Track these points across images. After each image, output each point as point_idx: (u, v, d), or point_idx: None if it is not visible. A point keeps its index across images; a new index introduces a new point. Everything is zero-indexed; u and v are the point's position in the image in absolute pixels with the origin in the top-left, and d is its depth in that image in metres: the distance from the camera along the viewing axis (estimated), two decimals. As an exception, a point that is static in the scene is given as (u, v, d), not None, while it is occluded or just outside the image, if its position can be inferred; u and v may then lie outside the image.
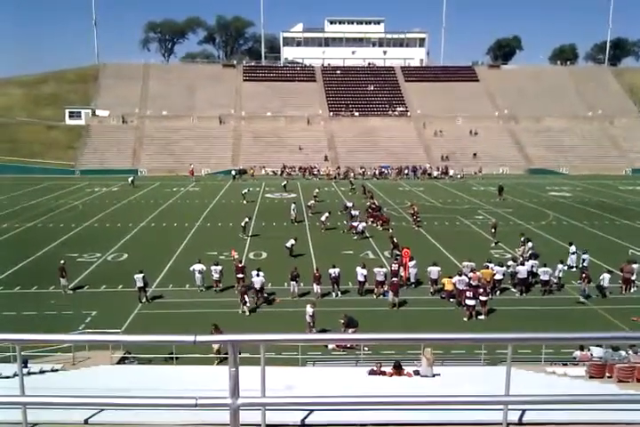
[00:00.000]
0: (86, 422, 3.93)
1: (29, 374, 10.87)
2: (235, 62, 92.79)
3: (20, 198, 46.35)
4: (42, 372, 11.98)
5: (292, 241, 28.42)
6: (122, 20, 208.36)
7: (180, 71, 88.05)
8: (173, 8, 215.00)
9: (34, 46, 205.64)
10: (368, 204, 39.28)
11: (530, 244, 27.24)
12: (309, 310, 18.63)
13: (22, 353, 3.75)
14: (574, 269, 23.80)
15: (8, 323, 19.22)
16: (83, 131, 71.46)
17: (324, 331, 18.27)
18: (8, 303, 21.53)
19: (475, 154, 68.63)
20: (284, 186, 51.02)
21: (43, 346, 14.64)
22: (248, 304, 20.76)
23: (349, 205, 37.70)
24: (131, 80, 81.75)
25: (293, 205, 37.45)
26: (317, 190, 45.83)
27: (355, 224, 32.97)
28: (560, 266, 23.39)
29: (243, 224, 32.89)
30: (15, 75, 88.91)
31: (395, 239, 28.18)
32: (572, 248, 26.61)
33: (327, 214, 34.44)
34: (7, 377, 10.37)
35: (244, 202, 44.15)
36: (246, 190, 46.22)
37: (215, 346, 13.81)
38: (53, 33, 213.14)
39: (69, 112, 74.44)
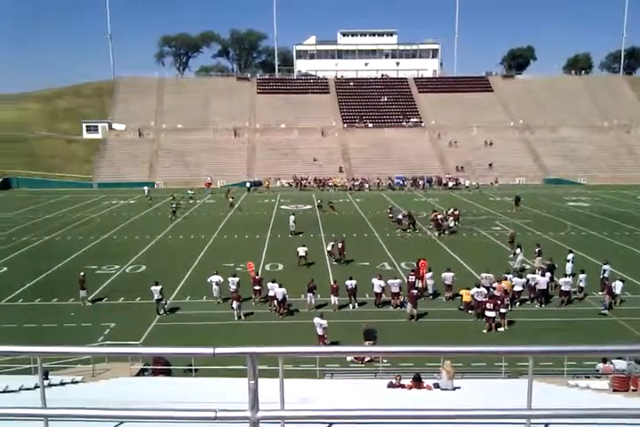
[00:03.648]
0: (106, 434, 3.94)
1: (50, 385, 10.94)
2: (249, 75, 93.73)
3: (40, 211, 46.97)
4: (62, 384, 12.05)
5: (304, 249, 28.68)
6: (137, 35, 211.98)
7: (195, 85, 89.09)
8: (188, 22, 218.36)
9: (51, 61, 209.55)
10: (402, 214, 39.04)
11: (570, 255, 26.41)
12: (322, 321, 18.46)
13: (43, 365, 3.78)
14: (570, 279, 23.36)
15: (29, 335, 19.38)
16: (100, 144, 72.43)
17: (336, 343, 18.13)
18: (29, 315, 21.74)
19: (490, 164, 68.31)
20: (320, 206, 46.93)
21: (63, 358, 14.73)
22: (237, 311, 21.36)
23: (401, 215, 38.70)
24: (146, 94, 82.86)
25: (293, 217, 37.26)
26: (319, 201, 46.95)
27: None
28: (582, 275, 23.10)
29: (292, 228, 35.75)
30: (33, 90, 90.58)
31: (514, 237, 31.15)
32: (570, 256, 26.17)
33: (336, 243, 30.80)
34: (28, 389, 10.45)
35: (173, 218, 42.84)
36: (174, 205, 45.08)
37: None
38: (70, 48, 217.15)
39: (86, 126, 75.57)
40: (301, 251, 28.69)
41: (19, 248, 33.27)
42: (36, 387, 10.24)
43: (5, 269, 28.85)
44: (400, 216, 38.56)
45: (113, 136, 74.77)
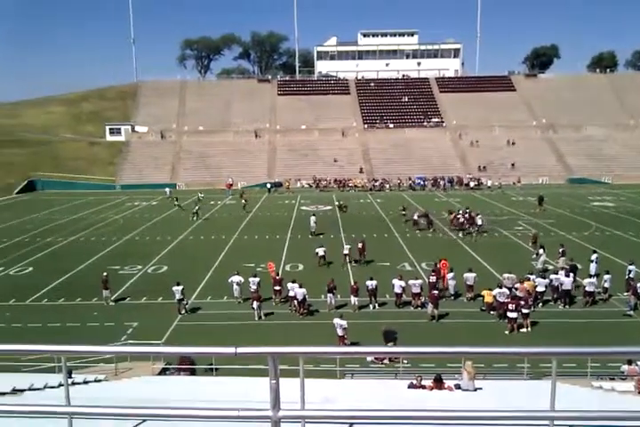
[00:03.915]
0: (129, 432, 3.98)
1: (74, 384, 11.10)
2: (269, 77, 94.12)
3: (64, 213, 47.70)
4: (86, 382, 12.22)
5: (323, 249, 28.89)
6: (159, 39, 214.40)
7: (216, 87, 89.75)
8: (209, 25, 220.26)
9: (76, 66, 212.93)
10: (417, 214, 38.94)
11: (594, 255, 26.02)
12: (342, 322, 18.44)
13: (67, 364, 3.84)
14: (594, 279, 22.97)
15: (53, 334, 19.69)
16: (123, 147, 73.33)
17: (356, 343, 18.10)
18: (53, 315, 22.09)
19: (513, 164, 67.61)
20: (340, 206, 46.11)
21: (86, 357, 14.93)
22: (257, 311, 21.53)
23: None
24: (168, 97, 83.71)
25: (314, 218, 37.28)
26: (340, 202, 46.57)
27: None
28: (607, 276, 22.74)
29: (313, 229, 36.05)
30: (58, 93, 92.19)
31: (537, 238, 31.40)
32: (594, 256, 25.74)
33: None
34: (53, 387, 10.62)
35: (195, 218, 42.96)
36: (197, 207, 45.05)
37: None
38: (94, 53, 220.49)
39: (110, 129, 76.61)
40: (320, 251, 28.88)
41: (43, 249, 33.83)
42: (60, 385, 10.41)
43: (31, 269, 29.36)
44: (415, 217, 38.44)
45: (135, 138, 75.66)
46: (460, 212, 38.35)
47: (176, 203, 49.66)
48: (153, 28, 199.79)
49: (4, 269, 29.28)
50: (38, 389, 10.97)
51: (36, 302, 23.94)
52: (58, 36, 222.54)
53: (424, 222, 37.61)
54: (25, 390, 10.77)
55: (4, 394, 10.15)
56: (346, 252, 29.28)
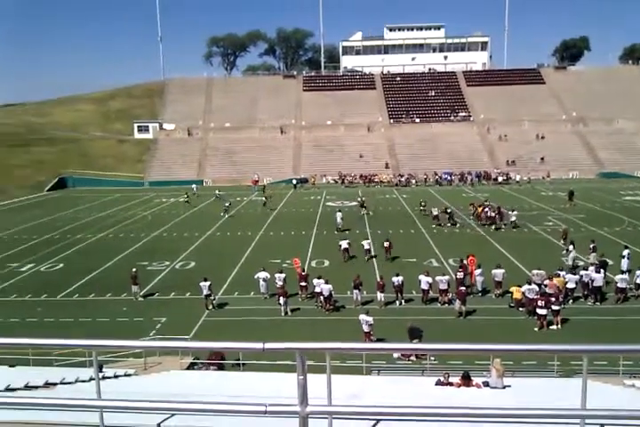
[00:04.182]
0: (159, 426, 4.04)
1: (104, 378, 11.30)
2: (295, 73, 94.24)
3: (93, 210, 48.52)
4: (116, 376, 12.43)
5: (347, 241, 29.24)
6: (186, 37, 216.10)
7: (242, 84, 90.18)
8: (235, 22, 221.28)
9: (104, 64, 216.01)
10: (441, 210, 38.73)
11: (626, 251, 25.35)
12: (368, 318, 18.39)
13: (97, 358, 3.90)
14: (626, 275, 22.45)
15: (84, 329, 20.08)
16: (150, 144, 74.21)
17: (382, 340, 18.04)
18: (84, 310, 22.52)
19: (542, 158, 66.56)
20: (361, 204, 44.73)
21: (116, 351, 15.19)
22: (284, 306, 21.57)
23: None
24: (195, 94, 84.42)
25: (340, 214, 37.24)
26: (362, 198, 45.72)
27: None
28: (639, 272, 22.24)
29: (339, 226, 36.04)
30: (87, 92, 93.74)
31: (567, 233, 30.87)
32: (625, 252, 25.13)
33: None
34: (84, 381, 10.82)
35: (226, 215, 43.05)
36: (228, 204, 45.12)
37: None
38: (122, 51, 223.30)
39: (138, 126, 77.63)
40: (344, 244, 29.13)
41: (74, 245, 34.48)
42: (91, 379, 10.60)
43: (62, 265, 29.95)
44: (435, 212, 38.30)
45: (163, 136, 76.52)
46: (488, 206, 38.10)
47: (185, 198, 50.38)
48: (180, 26, 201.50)
49: (35, 265, 29.92)
50: (70, 382, 11.20)
51: (67, 298, 24.42)
52: (87, 35, 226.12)
53: (446, 218, 37.52)
54: (57, 383, 11.01)
55: (37, 388, 10.40)
56: (367, 247, 29.36)
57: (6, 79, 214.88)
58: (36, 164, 66.15)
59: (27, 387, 10.40)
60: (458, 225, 37.00)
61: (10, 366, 13.89)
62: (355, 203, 47.89)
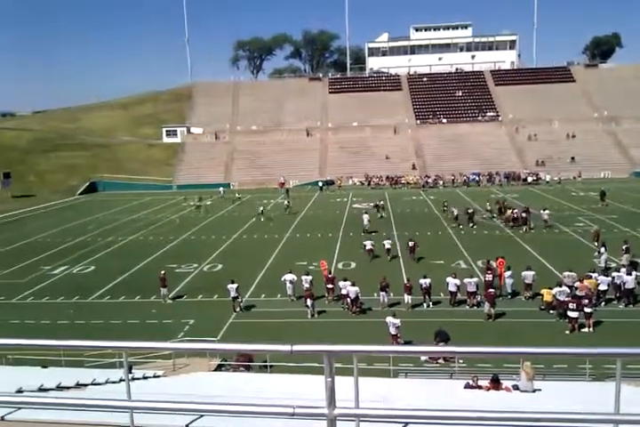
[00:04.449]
0: (187, 427, 4.07)
1: (134, 379, 11.45)
2: (320, 75, 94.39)
3: (123, 213, 49.29)
4: (145, 378, 12.58)
5: (371, 242, 29.90)
6: (212, 41, 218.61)
7: (268, 87, 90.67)
8: (261, 25, 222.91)
9: (133, 69, 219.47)
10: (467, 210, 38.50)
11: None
12: (395, 320, 18.29)
13: (128, 360, 3.95)
14: None
15: (114, 331, 20.39)
16: (179, 148, 75.08)
17: (409, 343, 17.90)
18: (114, 312, 22.88)
19: (573, 158, 65.41)
20: (377, 207, 43.66)
21: (145, 353, 15.38)
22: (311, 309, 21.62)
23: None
24: (222, 98, 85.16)
25: (367, 216, 37.20)
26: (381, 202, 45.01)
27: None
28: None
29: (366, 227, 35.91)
30: (117, 97, 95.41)
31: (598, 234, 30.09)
32: None
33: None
34: (114, 382, 10.98)
35: (262, 219, 42.89)
36: (262, 207, 45.27)
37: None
38: (151, 57, 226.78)
39: (166, 131, 78.67)
40: (368, 244, 29.67)
41: (104, 248, 35.06)
42: (121, 380, 10.75)
43: (93, 267, 30.48)
44: (455, 212, 38.38)
45: (191, 140, 77.37)
46: (512, 207, 38.06)
47: (192, 203, 50.76)
48: (206, 30, 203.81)
49: (68, 267, 30.52)
50: (100, 383, 11.37)
51: (98, 300, 24.84)
52: (117, 42, 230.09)
53: (465, 218, 37.45)
54: (88, 384, 11.19)
55: (68, 388, 10.58)
56: (387, 246, 29.71)
57: (37, 86, 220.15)
58: (68, 168, 67.54)
59: (58, 387, 10.60)
60: (475, 226, 36.71)
61: (42, 367, 14.20)
62: (365, 205, 47.44)
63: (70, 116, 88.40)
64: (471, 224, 36.93)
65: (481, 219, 38.92)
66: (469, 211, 37.92)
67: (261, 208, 45.17)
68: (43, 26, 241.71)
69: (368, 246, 29.59)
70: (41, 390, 9.86)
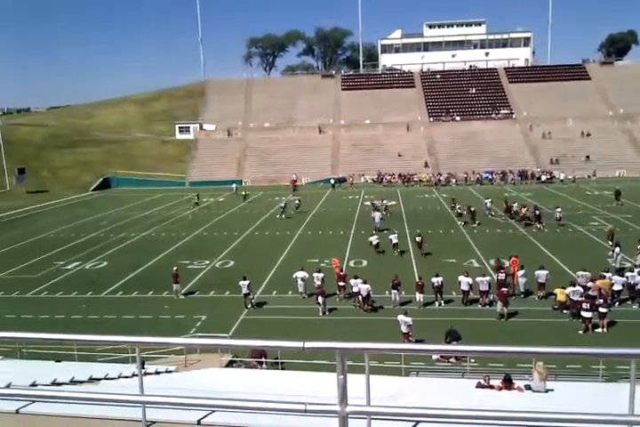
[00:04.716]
0: (199, 422, 4.09)
1: (146, 374, 11.53)
2: (333, 72, 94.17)
3: (136, 209, 49.59)
4: (157, 373, 12.67)
5: (376, 237, 30.57)
6: (225, 39, 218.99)
7: (281, 84, 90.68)
8: (274, 22, 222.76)
9: (147, 66, 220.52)
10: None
11: None
12: (406, 319, 18.25)
13: (140, 355, 3.98)
14: None
15: (127, 326, 20.54)
16: (191, 144, 75.36)
17: (421, 341, 17.86)
18: (127, 307, 23.05)
19: (587, 156, 64.80)
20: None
21: (158, 348, 15.48)
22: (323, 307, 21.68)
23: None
24: (235, 94, 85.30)
25: (379, 214, 37.15)
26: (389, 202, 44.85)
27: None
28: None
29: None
30: (131, 93, 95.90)
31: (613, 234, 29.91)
32: None
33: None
34: (126, 377, 11.07)
35: (283, 217, 42.39)
36: (283, 204, 44.22)
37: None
38: (165, 54, 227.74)
39: (179, 127, 78.98)
40: (374, 240, 30.31)
41: (118, 244, 35.31)
42: (134, 375, 10.84)
43: (106, 263, 30.70)
44: (459, 210, 39.04)
45: (204, 136, 77.61)
46: (528, 207, 37.96)
47: (195, 201, 50.66)
48: (219, 27, 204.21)
49: (81, 263, 30.77)
50: (113, 378, 11.47)
51: (111, 295, 25.04)
52: (131, 39, 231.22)
53: (469, 216, 37.53)
54: (101, 379, 11.30)
55: (81, 382, 10.68)
56: (394, 241, 30.11)
57: (53, 82, 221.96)
58: (82, 164, 68.06)
59: (72, 382, 10.70)
60: (479, 224, 36.65)
61: (56, 362, 14.34)
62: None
63: (84, 113, 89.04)
64: (476, 223, 36.80)
65: (492, 217, 38.95)
66: (472, 209, 37.73)
67: (283, 204, 43.89)
68: (59, 25, 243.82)
69: (374, 242, 30.30)
70: (54, 384, 9.96)
